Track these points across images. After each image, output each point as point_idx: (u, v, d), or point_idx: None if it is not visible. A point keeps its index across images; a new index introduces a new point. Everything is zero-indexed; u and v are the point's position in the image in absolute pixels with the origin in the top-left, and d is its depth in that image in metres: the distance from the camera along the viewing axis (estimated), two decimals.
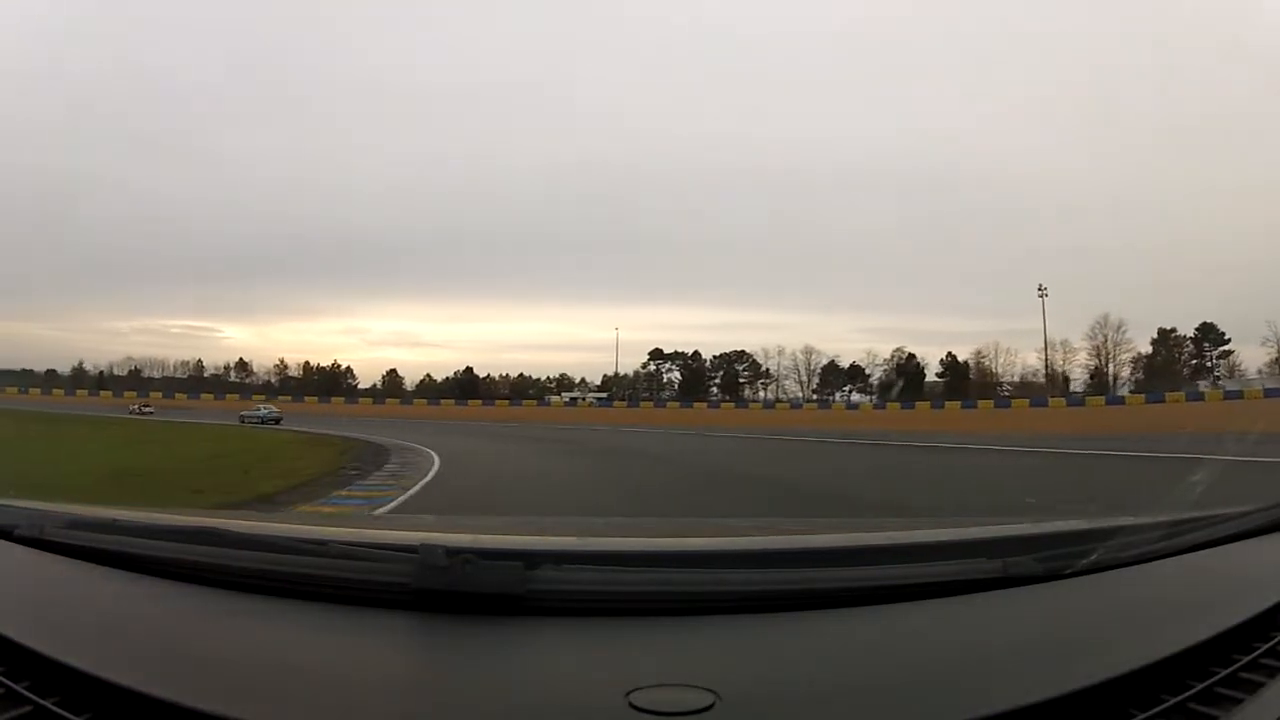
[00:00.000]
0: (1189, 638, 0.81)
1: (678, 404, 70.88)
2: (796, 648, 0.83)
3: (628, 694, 0.68)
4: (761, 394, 77.92)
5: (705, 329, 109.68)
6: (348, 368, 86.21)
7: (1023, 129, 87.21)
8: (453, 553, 0.85)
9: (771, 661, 0.79)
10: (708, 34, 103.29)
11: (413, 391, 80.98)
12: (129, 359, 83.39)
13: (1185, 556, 1.14)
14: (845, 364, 75.78)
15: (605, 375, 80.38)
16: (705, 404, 70.32)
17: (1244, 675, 0.78)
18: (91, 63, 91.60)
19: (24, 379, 73.01)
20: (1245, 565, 1.15)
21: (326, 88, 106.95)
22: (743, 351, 78.84)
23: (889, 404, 61.14)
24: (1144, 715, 0.71)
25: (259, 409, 43.46)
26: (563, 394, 79.18)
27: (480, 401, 72.39)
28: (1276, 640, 0.84)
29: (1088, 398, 55.93)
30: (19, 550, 1.10)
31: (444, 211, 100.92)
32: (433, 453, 16.37)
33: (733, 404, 71.46)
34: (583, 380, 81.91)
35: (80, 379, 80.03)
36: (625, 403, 71.23)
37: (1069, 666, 0.75)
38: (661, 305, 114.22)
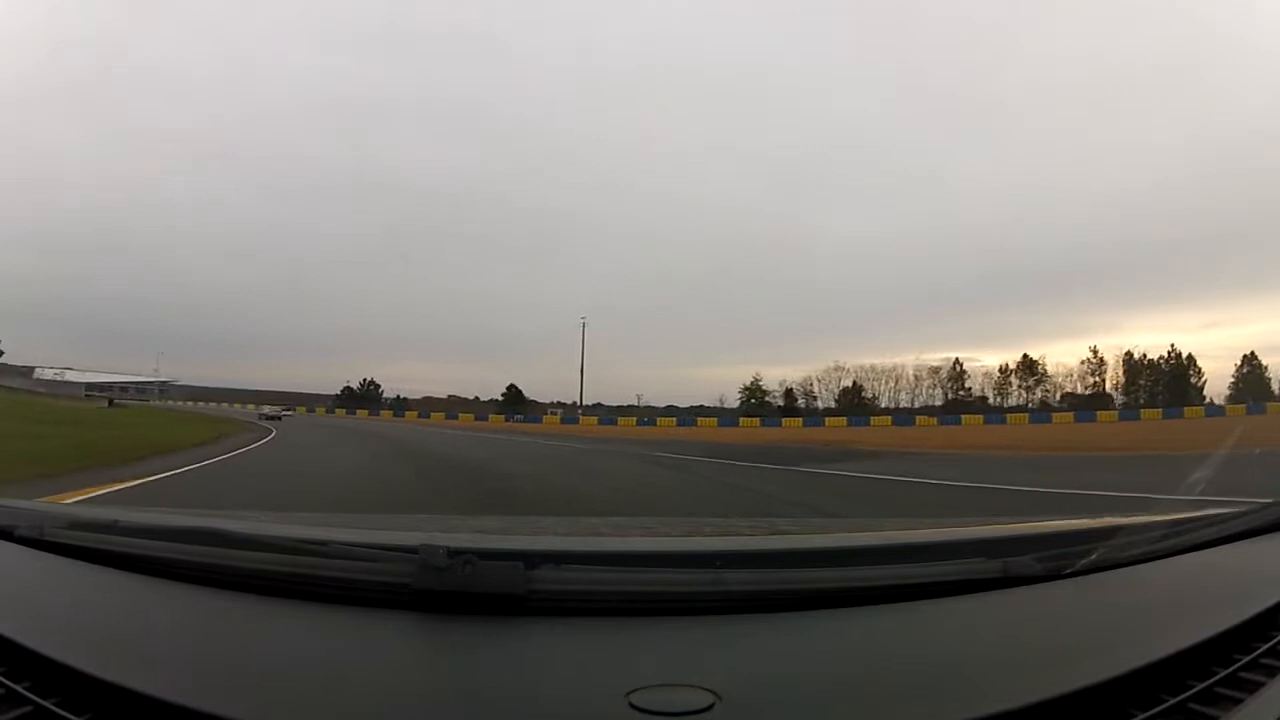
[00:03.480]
0: (1189, 638, 0.81)
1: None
2: (796, 648, 0.83)
3: (628, 694, 0.68)
4: None
5: None
6: None
7: None
8: (454, 553, 0.85)
9: (771, 661, 0.79)
10: None
11: None
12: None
13: (1185, 556, 1.14)
14: None
15: None
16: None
17: (1244, 675, 0.78)
18: None
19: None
20: (1245, 565, 1.15)
21: None
22: None
23: None
24: (1144, 715, 0.71)
25: None
26: None
27: None
28: (1276, 640, 0.84)
29: None
30: (19, 550, 1.10)
31: None
32: None
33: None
34: None
35: None
36: None
37: (1069, 666, 0.75)
38: None
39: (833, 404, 73.78)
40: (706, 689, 0.69)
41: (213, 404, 79.71)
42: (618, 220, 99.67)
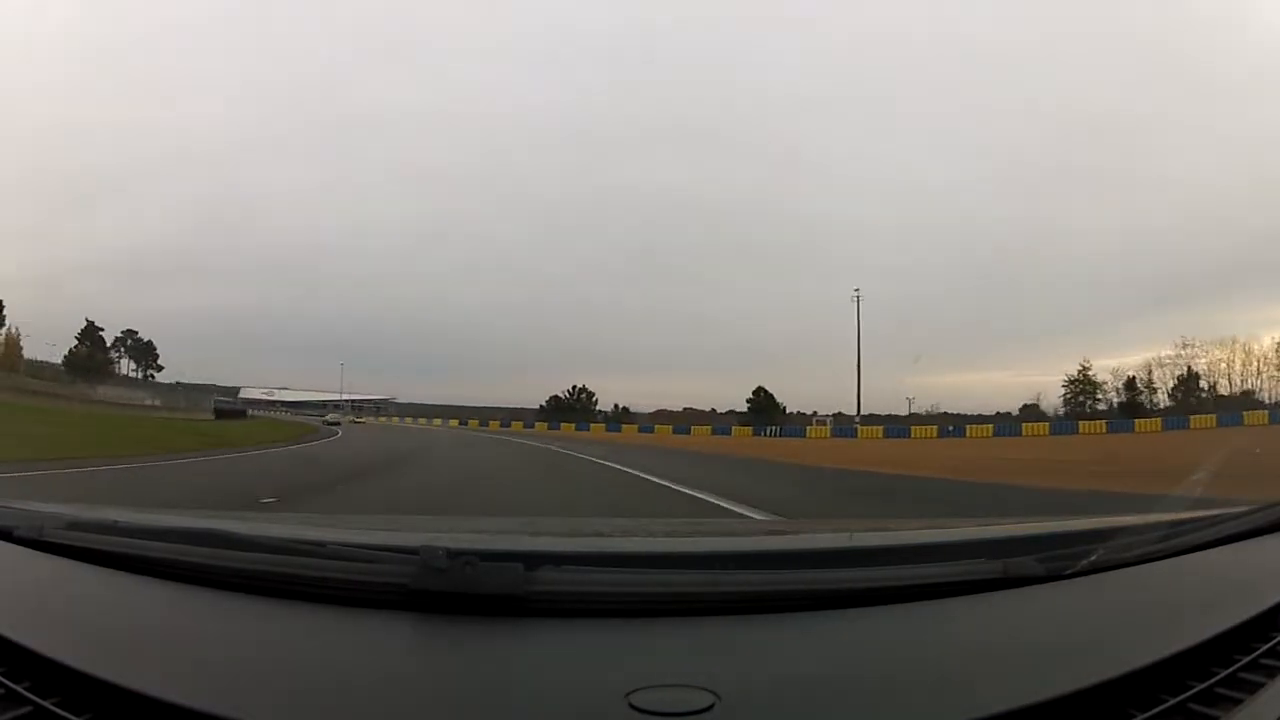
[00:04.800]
0: (1189, 638, 0.81)
1: None
2: (796, 648, 0.83)
3: (628, 694, 0.68)
4: None
5: None
6: None
7: None
8: (454, 554, 0.85)
9: (771, 662, 0.79)
10: None
11: None
12: None
13: (1185, 556, 1.14)
14: None
15: None
16: None
17: (1244, 675, 0.78)
18: None
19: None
20: (1245, 565, 1.15)
21: None
22: None
23: None
24: (1144, 715, 0.71)
25: None
26: None
27: None
28: (1276, 640, 0.84)
29: None
30: (19, 550, 1.09)
31: None
32: None
33: None
34: None
35: None
36: None
37: (1069, 666, 0.75)
38: None
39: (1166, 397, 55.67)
40: (706, 689, 0.68)
41: (407, 419, 74.68)
42: (872, 220, 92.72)
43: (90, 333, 70.19)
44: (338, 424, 47.52)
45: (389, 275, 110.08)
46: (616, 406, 72.18)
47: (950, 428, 47.97)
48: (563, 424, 60.79)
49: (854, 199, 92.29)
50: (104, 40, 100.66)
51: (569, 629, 0.85)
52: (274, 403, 76.44)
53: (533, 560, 0.89)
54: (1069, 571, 1.01)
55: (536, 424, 62.06)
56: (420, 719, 0.70)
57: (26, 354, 62.45)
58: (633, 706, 0.66)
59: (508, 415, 67.55)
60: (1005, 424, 49.47)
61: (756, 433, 51.13)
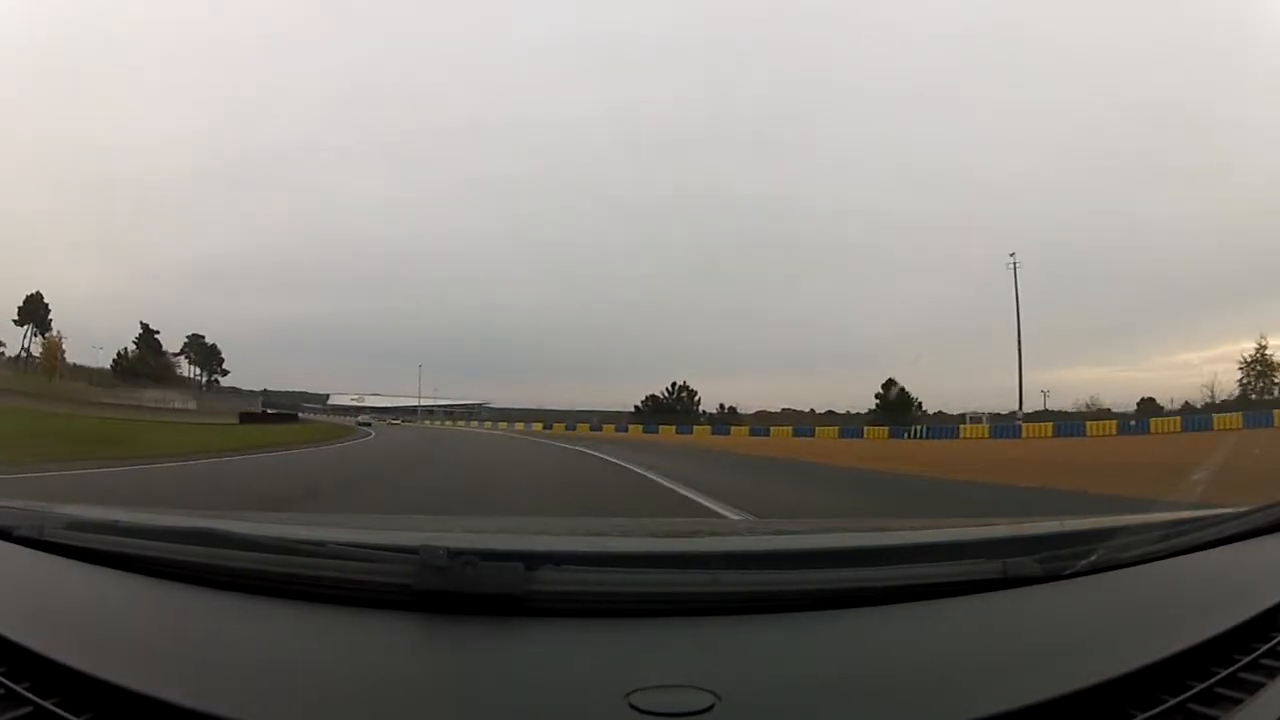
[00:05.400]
0: (1189, 638, 0.81)
1: None
2: (796, 648, 0.83)
3: (628, 694, 0.68)
4: None
5: None
6: None
7: None
8: (454, 554, 0.85)
9: (771, 662, 0.79)
10: None
11: None
12: None
13: (1185, 557, 1.14)
14: None
15: None
16: None
17: (1244, 675, 0.78)
18: None
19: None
20: (1245, 565, 1.15)
21: None
22: None
23: None
24: (1144, 715, 0.71)
25: None
26: None
27: None
28: (1276, 640, 0.84)
29: None
30: (19, 550, 1.09)
31: None
32: None
33: None
34: None
35: None
36: None
37: (1069, 667, 0.75)
38: None
39: None
40: (706, 689, 0.69)
41: (488, 424, 70.84)
42: (978, 215, 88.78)
43: (146, 337, 69.62)
44: (369, 425, 49.69)
45: (480, 280, 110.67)
46: (722, 407, 62.19)
47: (1132, 422, 37.07)
48: (661, 426, 51.47)
49: (951, 196, 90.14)
50: (197, 55, 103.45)
51: (569, 629, 0.85)
52: (362, 408, 77.66)
53: (533, 560, 0.89)
54: (1068, 572, 1.01)
55: (630, 426, 53.31)
56: (421, 718, 0.70)
57: (84, 360, 62.79)
58: (633, 707, 0.66)
59: (600, 419, 60.49)
60: (1134, 420, 38.09)
61: (895, 434, 39.73)
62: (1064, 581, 1.00)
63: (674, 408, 61.97)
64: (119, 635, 0.86)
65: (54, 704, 0.70)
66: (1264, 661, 0.81)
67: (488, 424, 69.80)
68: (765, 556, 1.22)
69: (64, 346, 61.68)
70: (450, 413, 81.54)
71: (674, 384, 64.44)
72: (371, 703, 0.70)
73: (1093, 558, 1.03)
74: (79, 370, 61.98)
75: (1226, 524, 1.24)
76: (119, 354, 68.60)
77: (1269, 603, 0.91)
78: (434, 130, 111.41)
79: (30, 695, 0.71)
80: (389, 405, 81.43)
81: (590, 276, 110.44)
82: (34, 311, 63.07)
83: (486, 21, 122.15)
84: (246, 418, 42.76)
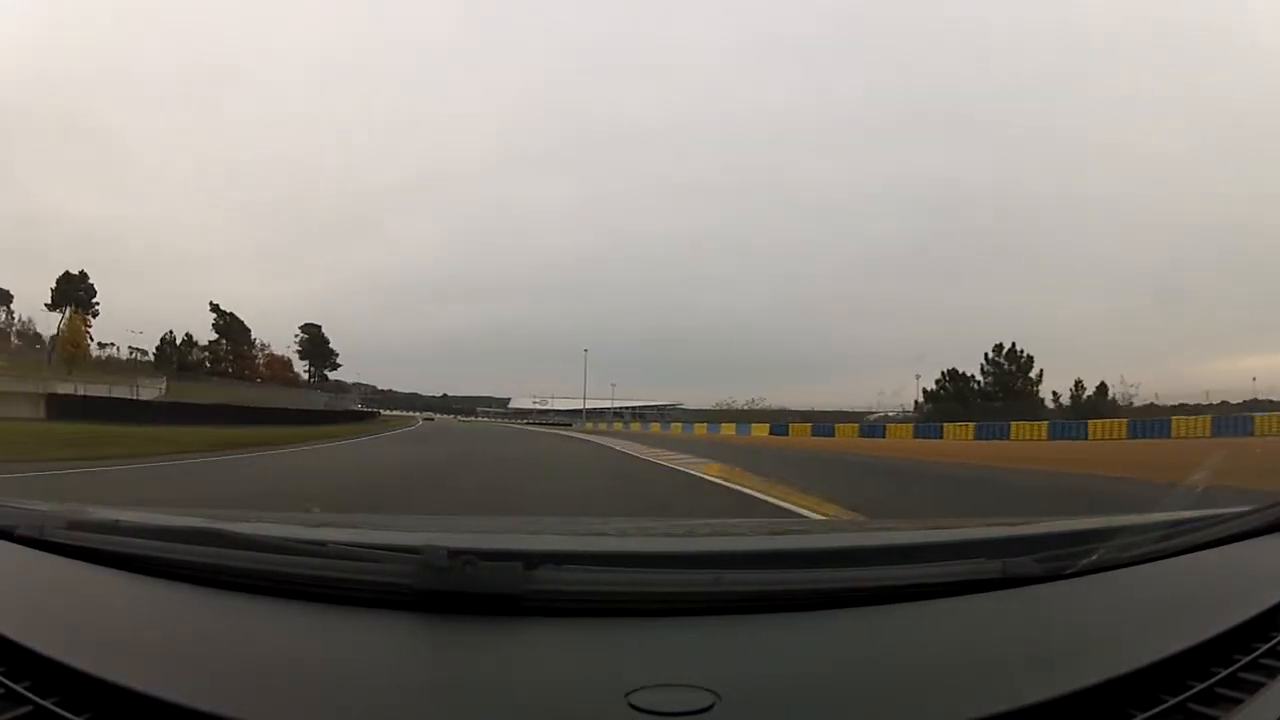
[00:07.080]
0: (1189, 638, 0.81)
1: None
2: (796, 648, 0.83)
3: (628, 694, 0.68)
4: None
5: None
6: None
7: None
8: (454, 553, 0.85)
9: (771, 661, 0.79)
10: None
11: None
12: None
13: (1185, 556, 1.14)
14: None
15: None
16: None
17: (1244, 675, 0.78)
18: None
19: None
20: (1245, 565, 1.15)
21: None
22: None
23: None
24: (1144, 715, 0.71)
25: None
26: None
27: None
28: (1276, 640, 0.84)
29: None
30: (19, 550, 1.09)
31: None
32: None
33: None
34: None
35: None
36: None
37: (1069, 666, 0.75)
38: None
39: None
40: (706, 689, 0.69)
41: (654, 425, 69.10)
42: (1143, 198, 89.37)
43: (220, 323, 65.84)
44: (432, 418, 52.93)
45: (672, 283, 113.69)
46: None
47: None
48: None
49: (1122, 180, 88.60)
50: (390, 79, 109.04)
51: (569, 628, 0.85)
52: (546, 411, 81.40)
53: (533, 560, 0.89)
54: (1068, 571, 1.01)
55: (837, 427, 42.77)
56: (421, 718, 0.70)
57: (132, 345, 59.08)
58: (633, 706, 0.66)
59: (796, 418, 53.64)
60: None
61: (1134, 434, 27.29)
62: (1064, 581, 1.00)
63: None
64: (119, 635, 0.86)
65: (54, 703, 0.70)
66: (1264, 661, 0.81)
67: (654, 425, 67.93)
68: (765, 556, 1.22)
69: (90, 329, 56.45)
70: (639, 414, 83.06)
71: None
72: (372, 702, 0.70)
73: (1093, 558, 1.03)
74: (113, 363, 55.97)
75: (1226, 524, 1.24)
76: (161, 342, 62.90)
77: (1269, 603, 0.91)
78: (626, 138, 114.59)
79: (30, 695, 0.71)
80: (566, 409, 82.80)
81: (784, 273, 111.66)
82: (70, 293, 57.59)
83: (657, 27, 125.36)
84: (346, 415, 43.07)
